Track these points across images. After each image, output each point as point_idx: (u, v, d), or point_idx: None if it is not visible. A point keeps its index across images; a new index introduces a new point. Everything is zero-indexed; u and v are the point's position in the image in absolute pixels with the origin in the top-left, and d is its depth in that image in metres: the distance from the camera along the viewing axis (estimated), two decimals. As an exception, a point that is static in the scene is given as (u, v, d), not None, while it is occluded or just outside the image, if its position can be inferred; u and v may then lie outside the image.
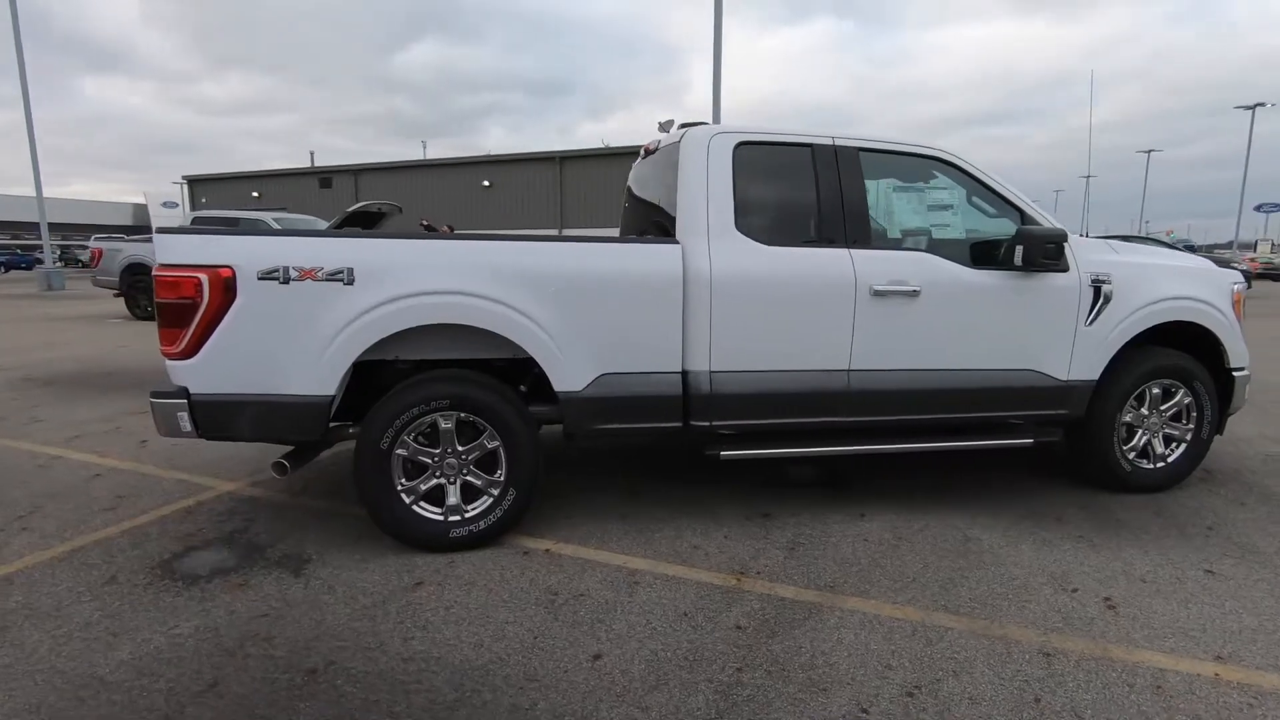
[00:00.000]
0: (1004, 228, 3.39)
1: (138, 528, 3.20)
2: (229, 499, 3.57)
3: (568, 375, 2.93)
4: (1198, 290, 3.56)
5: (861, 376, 3.18)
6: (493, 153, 34.09)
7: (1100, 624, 2.42)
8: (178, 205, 31.26)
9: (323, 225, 13.02)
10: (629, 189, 4.22)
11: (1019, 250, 3.18)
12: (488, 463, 2.96)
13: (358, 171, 35.20)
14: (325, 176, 35.94)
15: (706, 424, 3.08)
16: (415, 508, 2.90)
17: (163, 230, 2.69)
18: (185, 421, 2.72)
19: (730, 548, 3.01)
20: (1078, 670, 2.16)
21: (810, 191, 3.17)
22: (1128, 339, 3.43)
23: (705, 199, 3.03)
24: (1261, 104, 32.49)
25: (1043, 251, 3.17)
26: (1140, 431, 3.62)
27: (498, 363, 3.17)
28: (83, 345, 8.95)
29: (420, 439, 2.89)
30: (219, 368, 2.71)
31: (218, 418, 2.75)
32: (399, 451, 2.85)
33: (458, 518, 2.93)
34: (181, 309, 2.66)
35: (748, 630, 2.38)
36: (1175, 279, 3.55)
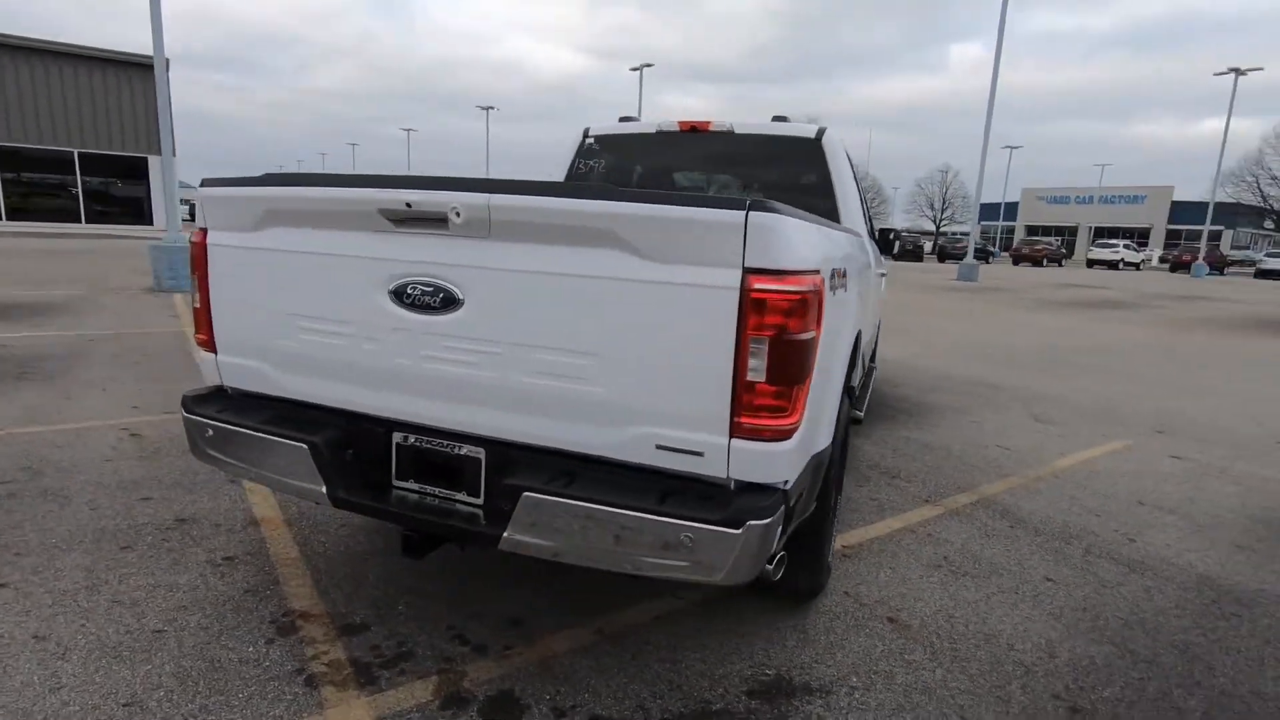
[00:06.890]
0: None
1: None
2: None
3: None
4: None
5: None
6: None
7: (1035, 454, 4.28)
8: None
9: None
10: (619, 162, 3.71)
11: (896, 244, 4.69)
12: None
13: None
14: None
15: None
16: None
17: (767, 207, 1.32)
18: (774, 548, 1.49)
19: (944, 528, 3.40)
20: (1112, 462, 3.94)
21: None
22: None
23: (857, 198, 3.35)
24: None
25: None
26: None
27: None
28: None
29: None
30: (811, 435, 1.61)
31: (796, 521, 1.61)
32: None
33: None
34: (801, 349, 1.45)
35: (1093, 555, 3.13)
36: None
